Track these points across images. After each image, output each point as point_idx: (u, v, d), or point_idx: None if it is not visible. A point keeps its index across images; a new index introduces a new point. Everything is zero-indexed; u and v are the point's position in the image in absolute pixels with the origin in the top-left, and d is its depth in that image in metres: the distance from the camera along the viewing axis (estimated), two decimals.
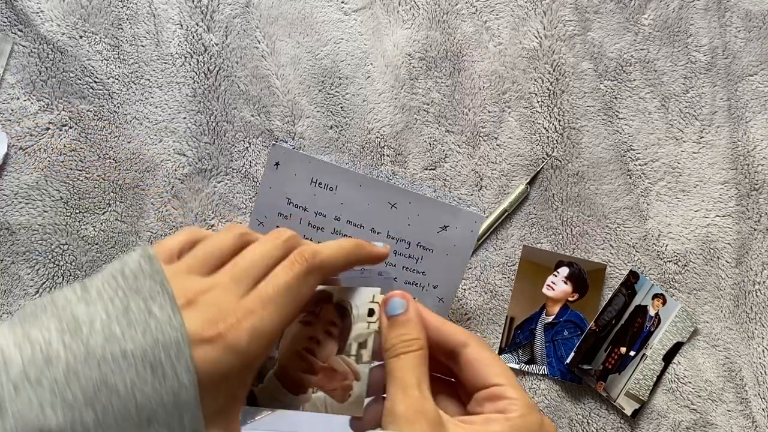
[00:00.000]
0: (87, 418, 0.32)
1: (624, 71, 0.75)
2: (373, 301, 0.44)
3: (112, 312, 0.34)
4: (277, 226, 0.71)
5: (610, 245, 0.73)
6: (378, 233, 0.70)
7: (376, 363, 0.45)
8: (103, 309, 0.34)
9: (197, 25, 0.75)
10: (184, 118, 0.74)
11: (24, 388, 0.31)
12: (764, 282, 0.73)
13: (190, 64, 0.74)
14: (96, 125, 0.74)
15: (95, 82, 0.74)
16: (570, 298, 0.72)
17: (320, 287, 0.44)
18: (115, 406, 0.32)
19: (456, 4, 0.76)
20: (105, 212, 0.72)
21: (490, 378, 0.42)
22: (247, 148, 0.74)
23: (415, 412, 0.38)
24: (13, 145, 0.73)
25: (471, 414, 0.42)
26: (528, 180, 0.73)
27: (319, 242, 0.71)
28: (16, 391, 0.31)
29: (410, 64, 0.75)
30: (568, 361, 0.70)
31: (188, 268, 0.38)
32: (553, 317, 0.71)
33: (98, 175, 0.73)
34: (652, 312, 0.72)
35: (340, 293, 0.45)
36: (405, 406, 0.38)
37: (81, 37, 0.74)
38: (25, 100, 0.73)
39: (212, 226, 0.73)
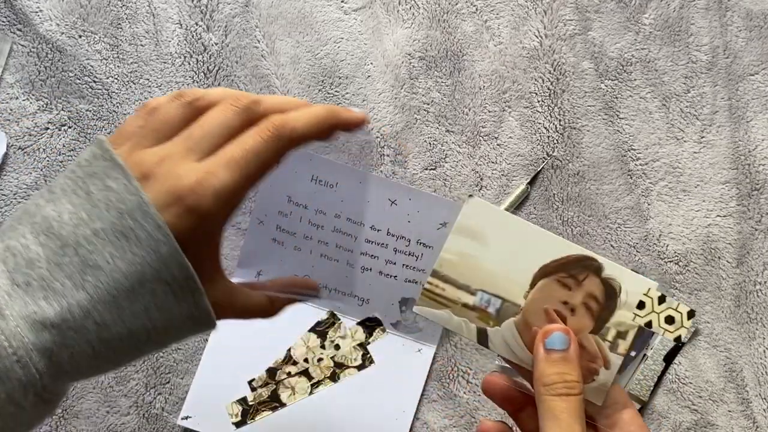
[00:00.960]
0: (81, 299, 0.34)
1: (625, 71, 0.75)
2: (647, 295, 0.42)
3: (77, 201, 0.35)
4: (277, 225, 0.71)
5: (611, 245, 0.73)
6: (378, 230, 0.70)
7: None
8: (68, 202, 0.35)
9: (197, 24, 0.75)
10: None
11: (15, 292, 0.34)
12: (765, 282, 0.72)
13: (189, 64, 0.74)
14: (95, 125, 0.73)
15: (94, 81, 0.74)
16: None
17: (589, 254, 0.42)
18: (104, 281, 0.34)
19: (456, 4, 0.76)
20: None
21: None
22: None
23: None
24: (12, 145, 0.72)
25: None
26: (528, 180, 0.73)
27: (319, 241, 0.72)
28: (10, 297, 0.33)
29: (410, 63, 0.75)
30: None
31: (138, 143, 0.37)
32: None
33: None
34: None
35: (611, 269, 0.42)
36: None
37: (80, 36, 0.74)
38: (24, 100, 0.73)
39: None
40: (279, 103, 0.40)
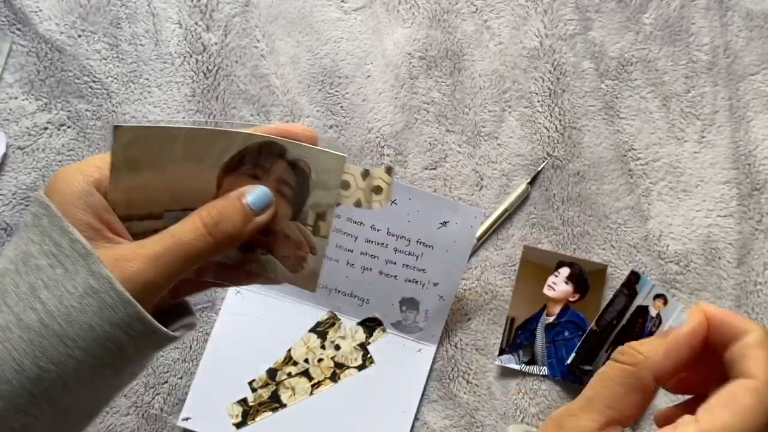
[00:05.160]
0: None
1: (625, 70, 0.75)
2: (349, 173, 0.38)
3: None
4: None
5: (611, 245, 0.73)
6: (378, 230, 0.70)
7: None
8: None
9: (196, 24, 0.75)
10: (183, 117, 0.73)
11: None
12: (766, 282, 0.72)
13: (189, 64, 0.74)
14: (94, 125, 0.73)
15: (94, 81, 0.74)
16: (571, 299, 0.71)
17: (270, 138, 0.38)
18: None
19: (456, 3, 0.76)
20: None
21: (747, 367, 0.30)
22: None
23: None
24: (11, 145, 0.72)
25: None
26: (529, 180, 0.73)
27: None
28: None
29: (410, 63, 0.75)
30: (568, 361, 0.70)
31: None
32: (553, 318, 0.71)
33: None
34: (653, 312, 0.71)
35: (296, 150, 0.38)
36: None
37: (79, 36, 0.74)
38: (23, 100, 0.73)
39: None
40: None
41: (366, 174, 0.39)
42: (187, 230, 0.36)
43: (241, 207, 0.37)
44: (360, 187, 0.39)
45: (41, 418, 0.34)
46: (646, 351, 0.33)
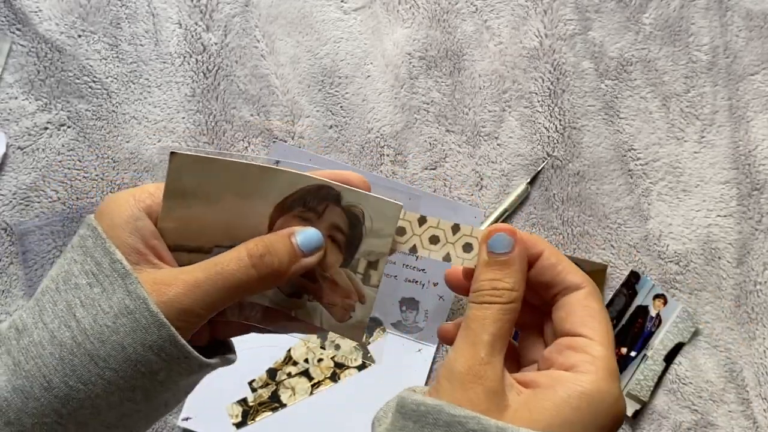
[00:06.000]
0: (16, 315, 0.35)
1: (625, 70, 0.75)
2: (405, 219, 0.38)
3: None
4: None
5: (611, 245, 0.73)
6: None
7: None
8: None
9: (196, 24, 0.75)
10: (183, 117, 0.73)
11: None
12: (765, 282, 0.72)
13: (189, 64, 0.74)
14: (94, 125, 0.73)
15: (94, 81, 0.74)
16: None
17: (325, 182, 0.37)
18: (38, 290, 0.35)
19: (456, 3, 0.76)
20: None
21: (582, 327, 0.34)
22: (246, 147, 0.73)
23: (474, 376, 0.33)
24: (11, 145, 0.72)
25: (546, 359, 0.35)
26: (528, 180, 0.73)
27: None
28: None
29: (410, 63, 0.75)
30: None
31: None
32: None
33: (96, 175, 0.73)
34: (653, 312, 0.71)
35: (350, 196, 0.37)
36: (466, 365, 0.33)
37: (79, 36, 0.74)
38: (23, 100, 0.73)
39: None
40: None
41: (423, 221, 0.39)
42: (231, 259, 0.35)
43: (289, 244, 0.36)
44: (416, 233, 0.39)
45: None
46: (514, 284, 0.35)
